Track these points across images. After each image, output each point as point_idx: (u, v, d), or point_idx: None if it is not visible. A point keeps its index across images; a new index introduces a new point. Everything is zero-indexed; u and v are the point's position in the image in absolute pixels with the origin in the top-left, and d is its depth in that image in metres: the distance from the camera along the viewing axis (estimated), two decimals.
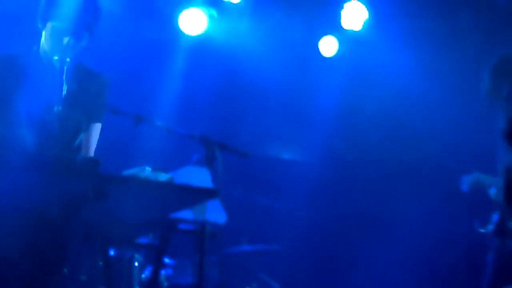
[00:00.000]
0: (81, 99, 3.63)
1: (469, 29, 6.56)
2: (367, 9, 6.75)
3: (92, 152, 3.73)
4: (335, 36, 6.92)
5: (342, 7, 6.74)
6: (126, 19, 6.12)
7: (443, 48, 6.73)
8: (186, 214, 3.29)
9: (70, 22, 3.47)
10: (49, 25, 3.52)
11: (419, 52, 6.76)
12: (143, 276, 5.27)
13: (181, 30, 6.47)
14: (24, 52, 3.67)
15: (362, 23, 6.78)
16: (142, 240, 4.51)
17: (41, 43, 3.60)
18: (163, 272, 5.62)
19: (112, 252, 4.97)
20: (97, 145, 3.75)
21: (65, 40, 3.48)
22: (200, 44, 6.54)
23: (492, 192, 4.94)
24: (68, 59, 3.43)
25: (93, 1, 3.61)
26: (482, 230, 4.89)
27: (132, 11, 6.21)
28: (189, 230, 3.43)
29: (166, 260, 5.68)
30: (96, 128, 3.73)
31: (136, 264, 5.11)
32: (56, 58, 3.43)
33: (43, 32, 3.57)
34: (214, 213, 3.42)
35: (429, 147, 6.93)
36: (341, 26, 6.79)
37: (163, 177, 3.06)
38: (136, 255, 5.11)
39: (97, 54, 3.92)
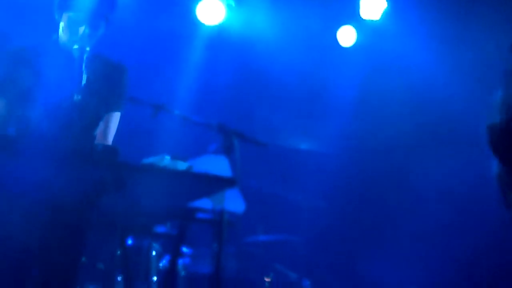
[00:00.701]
0: (100, 88, 3.64)
1: (491, 20, 6.50)
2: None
3: (110, 141, 3.74)
4: (354, 26, 6.89)
5: None
6: (143, 9, 6.13)
7: (464, 39, 6.69)
8: (204, 203, 3.29)
9: (85, 11, 3.48)
10: (65, 15, 3.53)
11: (438, 42, 6.71)
12: (160, 265, 5.29)
13: (198, 20, 6.46)
14: (43, 41, 3.68)
15: (381, 13, 6.75)
16: (160, 229, 4.53)
17: (59, 33, 3.61)
18: (180, 261, 5.64)
19: (130, 241, 4.99)
20: (116, 133, 3.76)
21: (81, 29, 3.49)
22: (218, 34, 6.54)
23: None
24: (88, 48, 3.45)
25: None
26: None
27: (150, 1, 6.22)
28: (207, 219, 3.43)
29: (184, 249, 5.70)
30: (115, 117, 3.74)
31: (154, 253, 5.13)
32: (76, 47, 3.44)
33: (61, 23, 3.58)
34: (233, 202, 3.42)
35: (449, 139, 6.90)
36: (360, 16, 6.76)
37: (182, 165, 3.06)
38: (154, 244, 5.13)
39: (115, 44, 3.92)
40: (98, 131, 3.67)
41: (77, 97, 3.36)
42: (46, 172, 2.89)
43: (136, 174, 2.94)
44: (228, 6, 6.54)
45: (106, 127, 3.68)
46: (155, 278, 5.11)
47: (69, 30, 3.52)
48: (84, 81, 3.39)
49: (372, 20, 6.78)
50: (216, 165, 3.44)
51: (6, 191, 3.00)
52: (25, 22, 5.47)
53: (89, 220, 3.20)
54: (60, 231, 3.19)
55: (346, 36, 6.90)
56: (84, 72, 3.40)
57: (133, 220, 3.35)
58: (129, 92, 3.83)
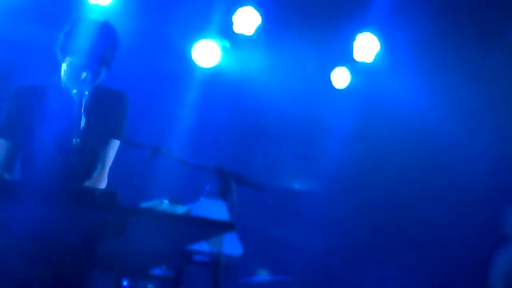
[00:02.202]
0: (100, 126, 3.66)
1: (481, 60, 6.58)
2: (379, 41, 6.79)
3: (107, 168, 3.74)
4: (347, 68, 6.96)
5: (354, 39, 6.79)
6: (139, 51, 6.18)
7: (456, 79, 6.76)
8: (202, 246, 3.31)
9: (87, 58, 3.52)
10: (67, 59, 3.57)
11: (431, 84, 6.78)
12: None
13: (194, 62, 6.52)
14: (45, 82, 3.72)
15: (374, 55, 6.82)
16: (156, 271, 4.52)
17: (61, 74, 3.65)
18: None
19: (125, 283, 4.98)
20: (114, 176, 3.78)
21: (83, 75, 3.53)
22: (214, 76, 6.59)
23: None
24: (86, 92, 3.48)
25: (111, 35, 3.65)
26: None
27: (146, 43, 6.27)
28: (205, 261, 3.45)
29: None
30: (114, 145, 3.75)
31: None
32: (74, 91, 3.48)
33: (63, 64, 3.62)
34: (230, 245, 3.44)
35: (444, 178, 6.94)
36: (353, 58, 6.83)
37: (180, 209, 3.08)
38: (149, 286, 5.11)
39: (110, 85, 3.96)
40: (96, 159, 3.67)
41: (75, 140, 3.39)
42: (45, 215, 2.90)
43: (134, 217, 2.96)
44: (224, 48, 6.61)
45: (105, 155, 3.69)
46: None
47: (71, 74, 3.56)
48: (82, 125, 3.42)
49: (365, 62, 6.85)
50: (214, 209, 3.46)
51: (4, 234, 3.01)
52: (28, 60, 5.52)
53: (87, 263, 3.21)
54: (58, 273, 3.19)
55: (340, 77, 6.97)
56: (83, 115, 3.43)
57: (130, 262, 3.35)
58: (127, 120, 3.83)
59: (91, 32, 3.58)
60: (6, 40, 5.71)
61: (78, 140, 3.38)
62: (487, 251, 5.17)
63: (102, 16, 5.60)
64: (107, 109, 3.73)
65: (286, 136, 7.10)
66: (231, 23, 6.51)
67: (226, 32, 6.56)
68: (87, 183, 3.61)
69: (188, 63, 6.50)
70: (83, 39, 3.56)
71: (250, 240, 5.04)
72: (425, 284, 6.95)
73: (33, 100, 3.62)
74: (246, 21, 6.53)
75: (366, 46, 6.78)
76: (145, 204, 3.14)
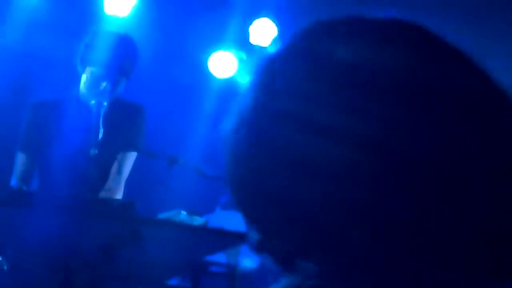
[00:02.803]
0: (117, 138, 3.69)
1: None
2: None
3: (123, 181, 3.76)
4: None
5: None
6: (156, 62, 6.20)
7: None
8: (219, 257, 3.32)
9: (108, 68, 3.55)
10: (88, 70, 3.60)
11: None
12: None
13: (211, 73, 6.55)
14: (64, 96, 3.76)
15: None
16: (172, 281, 4.54)
17: (80, 86, 3.68)
18: None
19: None
20: (131, 186, 3.80)
21: (103, 85, 3.56)
22: (230, 87, 6.61)
23: None
24: (105, 103, 3.51)
25: (131, 47, 3.69)
26: None
27: (163, 54, 6.30)
28: (221, 273, 3.46)
29: None
30: (131, 157, 3.76)
31: None
32: (93, 102, 3.51)
33: (83, 75, 3.65)
34: (247, 256, 3.45)
35: None
36: None
37: (198, 220, 3.10)
38: None
39: (129, 97, 3.98)
40: (112, 170, 3.70)
41: (93, 152, 3.42)
42: (64, 225, 2.93)
43: (152, 228, 2.99)
44: (240, 59, 6.63)
45: (121, 166, 3.71)
46: None
47: (90, 85, 3.59)
48: (101, 136, 3.45)
49: None
50: (231, 220, 3.47)
51: (23, 245, 3.04)
52: (46, 73, 5.56)
53: (105, 273, 3.23)
54: (76, 284, 3.21)
55: None
56: (101, 126, 3.46)
57: (147, 272, 3.37)
58: (145, 134, 3.86)
59: (112, 44, 3.62)
60: (24, 53, 5.76)
61: (96, 151, 3.41)
62: None
63: (120, 28, 5.68)
64: (125, 122, 3.75)
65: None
66: (248, 35, 6.53)
67: (243, 43, 6.58)
68: (103, 193, 3.63)
69: (205, 74, 6.53)
70: (104, 49, 3.59)
71: None
72: None
73: (51, 114, 3.66)
74: (263, 32, 6.55)
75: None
76: (162, 215, 3.16)
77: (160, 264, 3.26)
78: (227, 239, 3.05)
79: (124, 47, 3.64)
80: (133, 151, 3.77)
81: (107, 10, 5.89)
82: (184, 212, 3.10)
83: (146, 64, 5.83)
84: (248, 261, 3.51)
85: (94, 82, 3.58)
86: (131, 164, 3.77)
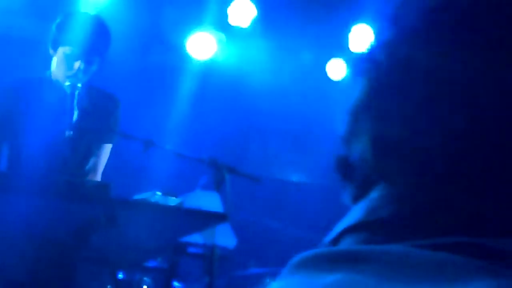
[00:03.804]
0: (92, 123, 3.66)
1: None
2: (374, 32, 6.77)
3: (99, 173, 3.75)
4: (343, 59, 6.94)
5: (350, 30, 6.77)
6: (134, 44, 6.16)
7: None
8: (195, 238, 3.30)
9: (81, 47, 3.52)
10: (60, 50, 3.56)
11: None
12: None
13: (189, 55, 6.50)
14: (36, 76, 3.71)
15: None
16: (151, 263, 4.52)
17: (52, 68, 3.64)
18: None
19: (121, 275, 4.98)
20: (107, 169, 3.78)
21: (76, 64, 3.52)
22: (209, 69, 6.58)
23: None
24: (79, 85, 3.48)
25: (103, 27, 3.66)
26: None
27: (140, 36, 6.26)
28: (199, 253, 3.44)
29: (175, 283, 5.68)
30: (106, 149, 3.76)
31: (145, 287, 5.11)
32: (67, 83, 3.47)
33: (54, 58, 3.61)
34: (224, 237, 3.43)
35: None
36: (349, 49, 6.82)
37: (173, 201, 3.07)
38: (145, 278, 5.11)
39: (105, 79, 3.95)
40: (89, 164, 3.69)
41: (68, 133, 3.38)
42: (37, 208, 2.90)
43: (127, 210, 2.96)
44: (219, 41, 6.59)
45: (97, 159, 3.70)
46: None
47: (64, 65, 3.55)
48: (75, 117, 3.42)
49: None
50: (207, 200, 3.46)
51: None
52: (19, 55, 5.50)
53: (80, 256, 3.21)
54: (51, 267, 3.19)
55: (336, 69, 6.95)
56: (76, 108, 3.43)
57: (124, 255, 3.35)
58: (119, 126, 3.85)
59: (84, 24, 3.59)
60: None
61: (71, 132, 3.38)
62: None
63: (95, 10, 5.62)
64: (101, 110, 3.73)
65: (281, 128, 7.09)
66: (227, 15, 6.49)
67: (222, 24, 6.54)
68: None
69: (183, 56, 6.49)
70: (76, 30, 3.56)
71: (245, 233, 5.04)
72: None
73: (23, 93, 3.61)
74: (242, 13, 6.51)
75: (362, 37, 6.77)
76: (137, 196, 3.14)
77: (137, 246, 3.24)
78: (203, 220, 3.03)
79: (96, 27, 3.61)
80: (109, 143, 3.75)
81: None
82: (159, 193, 3.08)
83: (124, 46, 5.79)
84: (225, 241, 3.50)
85: (67, 62, 3.54)
86: (107, 157, 3.76)
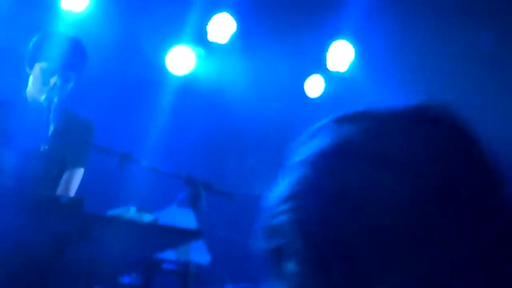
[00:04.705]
0: (67, 139, 3.65)
1: (459, 68, 6.63)
2: (354, 49, 6.81)
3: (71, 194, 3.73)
4: (321, 76, 6.96)
5: (328, 47, 6.80)
6: (113, 58, 6.14)
7: (431, 87, 6.79)
8: (169, 254, 3.30)
9: (57, 62, 3.52)
10: (36, 66, 3.56)
11: (406, 92, 6.80)
12: None
13: (168, 70, 6.50)
14: (10, 98, 3.71)
15: (348, 64, 6.84)
16: (125, 279, 4.50)
17: (28, 87, 3.64)
18: None
19: None
20: (81, 182, 3.76)
21: (52, 80, 3.51)
22: (187, 83, 6.57)
23: None
24: (55, 99, 3.47)
25: (80, 46, 3.67)
26: None
27: (119, 50, 6.24)
28: (173, 270, 3.43)
29: None
30: (79, 173, 3.74)
31: None
32: (43, 97, 3.47)
33: (30, 77, 3.62)
34: (198, 253, 3.43)
35: None
36: (327, 67, 6.85)
37: (147, 217, 3.07)
38: None
39: (84, 93, 3.94)
40: (60, 186, 3.66)
41: (43, 147, 3.37)
42: (11, 222, 2.88)
43: (102, 225, 2.95)
44: (198, 56, 6.59)
45: (68, 183, 3.68)
46: None
47: (41, 80, 3.54)
48: (51, 131, 3.40)
49: (339, 72, 6.86)
50: (182, 217, 3.45)
51: None
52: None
53: (54, 270, 3.19)
54: (25, 282, 3.16)
55: (314, 86, 6.97)
56: (52, 122, 3.42)
57: (98, 270, 3.33)
58: (96, 141, 3.84)
59: (61, 42, 3.61)
60: None
61: (46, 146, 3.36)
62: None
63: (76, 23, 5.61)
64: (75, 135, 3.72)
65: (259, 144, 7.09)
66: (206, 31, 6.50)
67: (201, 39, 6.54)
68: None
69: (162, 70, 6.48)
70: (53, 47, 3.57)
71: (220, 249, 5.02)
72: None
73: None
74: (221, 28, 6.52)
75: (341, 55, 6.80)
76: (112, 212, 3.13)
77: (111, 261, 3.23)
78: (177, 236, 3.03)
79: (73, 44, 3.63)
80: (81, 167, 3.74)
81: (63, 5, 5.83)
82: (133, 209, 3.07)
83: (103, 60, 5.78)
84: (199, 258, 3.49)
85: (43, 77, 3.53)
86: (79, 181, 3.74)
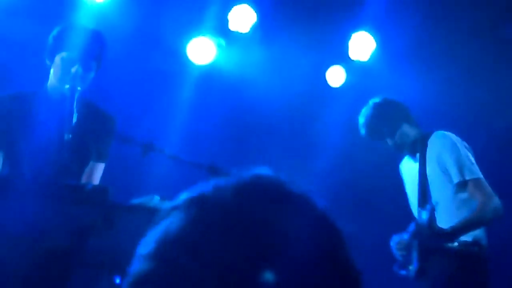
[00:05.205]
0: (90, 131, 3.66)
1: (476, 59, 6.58)
2: (375, 40, 6.77)
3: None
4: (343, 66, 6.93)
5: (350, 37, 6.77)
6: (134, 49, 6.16)
7: (451, 78, 6.75)
8: None
9: (77, 51, 3.53)
10: (57, 58, 3.58)
11: (426, 82, 6.77)
12: None
13: (189, 59, 6.50)
14: (33, 90, 3.73)
15: (370, 53, 6.80)
16: None
17: (49, 79, 3.65)
18: None
19: (118, 280, 4.97)
20: (105, 172, 3.77)
21: (74, 69, 3.53)
22: (208, 74, 6.57)
23: None
24: (79, 88, 3.48)
25: (99, 35, 3.68)
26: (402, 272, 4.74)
27: (141, 41, 6.26)
28: None
29: None
30: (100, 168, 3.75)
31: None
32: (67, 86, 3.48)
33: (52, 69, 3.63)
34: None
35: None
36: (349, 57, 6.82)
37: None
38: None
39: (106, 84, 3.95)
40: (82, 180, 3.67)
41: (67, 136, 3.38)
42: (36, 211, 2.89)
43: (126, 214, 2.95)
44: (219, 46, 6.59)
45: (90, 177, 3.69)
46: None
47: (62, 70, 3.55)
48: (75, 120, 3.41)
49: (361, 61, 6.83)
50: None
51: None
52: (20, 61, 5.50)
53: (78, 259, 3.20)
54: (47, 271, 3.18)
55: (335, 76, 6.95)
56: (75, 111, 3.43)
57: (121, 259, 3.34)
58: (119, 130, 3.85)
59: (81, 33, 3.63)
60: None
61: (70, 135, 3.37)
62: None
63: (98, 14, 5.62)
64: (97, 129, 3.73)
65: (280, 134, 7.08)
66: (227, 21, 6.49)
67: (222, 29, 6.54)
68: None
69: (183, 61, 6.48)
70: (73, 35, 3.58)
71: None
72: None
73: (20, 107, 3.61)
74: (242, 18, 6.51)
75: (362, 45, 6.77)
76: (135, 201, 3.13)
77: (134, 250, 3.23)
78: None
79: (93, 36, 3.65)
80: (102, 162, 3.74)
81: None
82: (157, 197, 3.07)
83: (124, 50, 5.80)
84: None
85: (65, 67, 3.55)
86: (100, 176, 3.75)
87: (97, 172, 3.72)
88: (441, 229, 4.43)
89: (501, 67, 6.53)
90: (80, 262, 3.14)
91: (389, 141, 4.83)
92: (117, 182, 3.35)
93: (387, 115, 4.80)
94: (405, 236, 4.61)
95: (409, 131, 4.77)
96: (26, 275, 3.11)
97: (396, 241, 4.68)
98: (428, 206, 4.54)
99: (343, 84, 6.98)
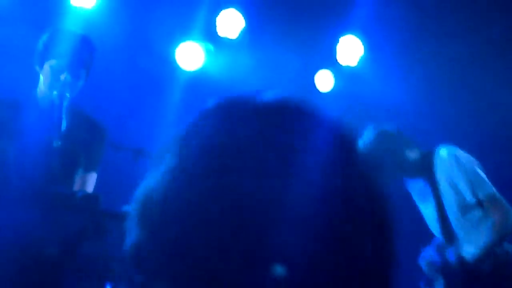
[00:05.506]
0: (80, 140, 3.65)
1: (468, 63, 6.60)
2: (363, 44, 6.78)
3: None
4: (331, 71, 6.94)
5: (338, 42, 6.78)
6: (123, 54, 6.14)
7: (440, 82, 6.77)
8: None
9: (66, 59, 3.52)
10: (46, 65, 3.56)
11: (415, 87, 6.79)
12: None
13: (178, 65, 6.49)
14: (22, 97, 3.71)
15: (358, 58, 6.81)
16: None
17: (39, 86, 3.64)
18: None
19: (109, 287, 4.95)
20: (96, 179, 3.75)
21: (63, 76, 3.51)
22: (197, 79, 6.56)
23: None
24: (67, 95, 3.46)
25: (88, 41, 3.67)
26: None
27: (129, 46, 6.24)
28: None
29: None
30: (92, 178, 3.73)
31: None
32: (55, 93, 3.46)
33: (41, 76, 3.61)
34: None
35: None
36: (337, 61, 6.82)
37: None
38: None
39: (95, 89, 3.94)
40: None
41: (56, 143, 3.37)
42: (27, 218, 2.88)
43: (117, 221, 2.95)
44: (207, 51, 6.58)
45: (82, 188, 3.67)
46: None
47: (51, 78, 3.54)
48: (64, 127, 3.40)
49: (349, 66, 6.84)
50: None
51: None
52: (10, 68, 5.47)
53: (68, 267, 3.19)
54: (38, 278, 3.16)
55: (324, 81, 6.95)
56: (64, 118, 3.42)
57: (111, 266, 3.33)
58: (108, 137, 3.84)
59: (70, 39, 3.61)
60: None
61: (59, 142, 3.36)
62: None
63: (86, 19, 5.60)
64: (88, 135, 3.71)
65: None
66: (215, 26, 6.49)
67: (210, 35, 6.53)
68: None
69: (172, 66, 6.47)
70: (62, 43, 3.57)
71: None
72: None
73: (7, 114, 3.58)
74: (230, 24, 6.51)
75: (350, 49, 6.78)
76: (126, 208, 3.12)
77: (124, 257, 3.22)
78: None
79: (82, 43, 3.63)
80: (94, 171, 3.72)
81: (73, 1, 5.83)
82: None
83: (113, 56, 5.78)
84: None
85: (54, 75, 3.53)
86: (93, 186, 3.72)
87: (89, 183, 3.70)
88: (468, 266, 4.29)
89: (489, 69, 6.55)
90: (71, 269, 3.13)
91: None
92: (107, 189, 3.34)
93: (383, 166, 4.61)
94: (435, 257, 4.48)
95: (409, 155, 4.60)
96: (17, 282, 3.10)
97: (426, 260, 4.54)
98: (454, 243, 4.41)
99: (332, 89, 6.99)
